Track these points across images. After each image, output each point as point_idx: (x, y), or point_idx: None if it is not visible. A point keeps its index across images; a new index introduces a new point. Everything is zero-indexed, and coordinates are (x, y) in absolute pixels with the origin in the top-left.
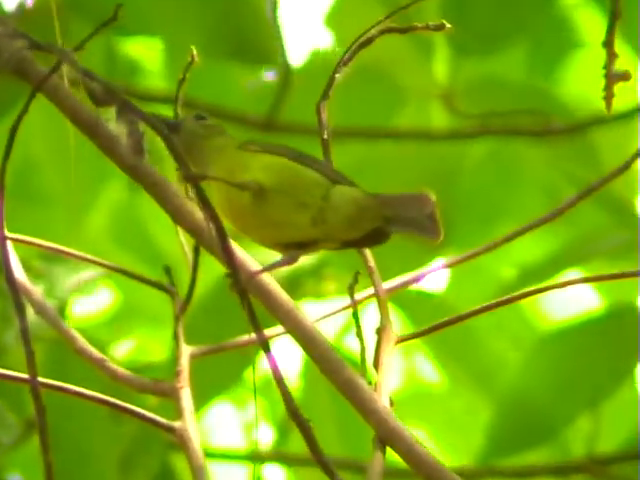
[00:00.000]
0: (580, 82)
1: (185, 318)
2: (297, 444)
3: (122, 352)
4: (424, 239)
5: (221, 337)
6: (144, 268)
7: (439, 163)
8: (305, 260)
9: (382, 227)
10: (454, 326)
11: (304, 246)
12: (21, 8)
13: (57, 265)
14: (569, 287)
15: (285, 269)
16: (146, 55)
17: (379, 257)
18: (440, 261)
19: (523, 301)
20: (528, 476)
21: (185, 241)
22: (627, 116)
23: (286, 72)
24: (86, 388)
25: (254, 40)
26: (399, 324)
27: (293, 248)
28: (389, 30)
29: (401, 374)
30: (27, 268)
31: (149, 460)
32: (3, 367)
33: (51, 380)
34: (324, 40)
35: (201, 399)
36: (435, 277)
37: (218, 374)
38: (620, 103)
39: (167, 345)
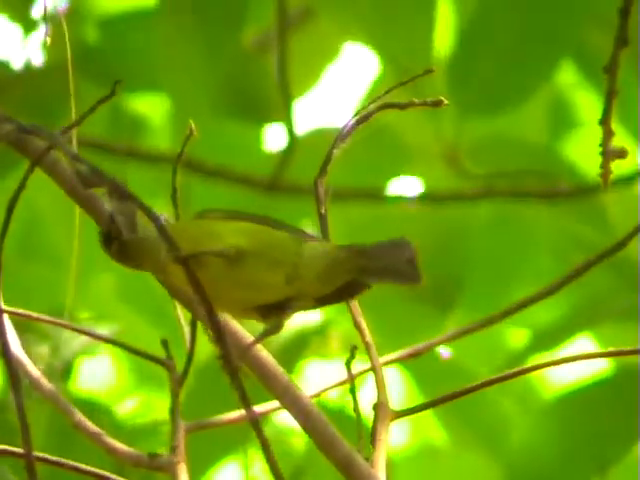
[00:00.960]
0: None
1: (184, 390)
2: None
3: (126, 409)
4: (403, 286)
5: (221, 407)
6: (152, 329)
7: (445, 224)
8: (310, 320)
9: (357, 279)
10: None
11: (276, 308)
12: (28, 67)
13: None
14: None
15: (290, 330)
16: (152, 112)
17: (390, 320)
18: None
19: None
20: None
21: (182, 315)
22: (631, 179)
23: (292, 134)
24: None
25: (260, 99)
26: (408, 388)
27: (264, 311)
28: (388, 106)
29: (406, 434)
30: (32, 330)
31: None
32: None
33: (54, 447)
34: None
35: (205, 463)
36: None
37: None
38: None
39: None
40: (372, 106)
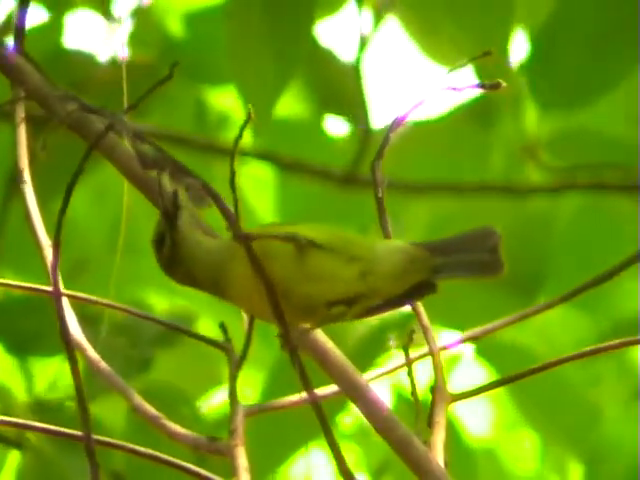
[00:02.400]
0: None
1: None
2: None
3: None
4: (482, 278)
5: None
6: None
7: (529, 216)
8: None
9: (428, 280)
10: (545, 378)
11: (348, 303)
12: (114, 61)
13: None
14: None
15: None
16: (235, 107)
17: (470, 309)
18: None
19: (627, 354)
20: None
21: None
22: None
23: (367, 126)
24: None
25: (337, 91)
26: (485, 376)
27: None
28: (446, 89)
29: (486, 425)
30: (110, 321)
31: None
32: None
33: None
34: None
35: (281, 453)
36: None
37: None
38: None
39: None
40: (430, 90)
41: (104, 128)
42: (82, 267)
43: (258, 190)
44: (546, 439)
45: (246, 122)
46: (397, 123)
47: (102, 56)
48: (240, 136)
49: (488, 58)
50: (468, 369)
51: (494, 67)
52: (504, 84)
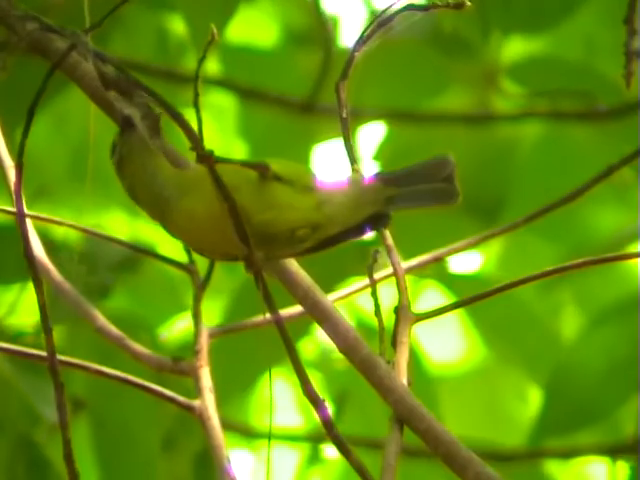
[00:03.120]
0: None
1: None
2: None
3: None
4: (437, 207)
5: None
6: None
7: (488, 144)
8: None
9: (382, 211)
10: (506, 303)
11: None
12: None
13: (99, 245)
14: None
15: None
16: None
17: (429, 234)
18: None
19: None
20: (577, 456)
21: None
22: None
23: (327, 54)
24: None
25: (300, 18)
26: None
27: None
28: (409, 8)
29: (448, 349)
30: (67, 248)
31: (190, 440)
32: None
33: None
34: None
35: (246, 377)
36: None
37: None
38: None
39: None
40: (393, 9)
41: (67, 47)
42: (44, 192)
43: (220, 119)
44: (506, 364)
45: (209, 43)
46: (362, 41)
47: None
48: (203, 57)
49: None
50: (430, 296)
51: None
52: (468, 3)
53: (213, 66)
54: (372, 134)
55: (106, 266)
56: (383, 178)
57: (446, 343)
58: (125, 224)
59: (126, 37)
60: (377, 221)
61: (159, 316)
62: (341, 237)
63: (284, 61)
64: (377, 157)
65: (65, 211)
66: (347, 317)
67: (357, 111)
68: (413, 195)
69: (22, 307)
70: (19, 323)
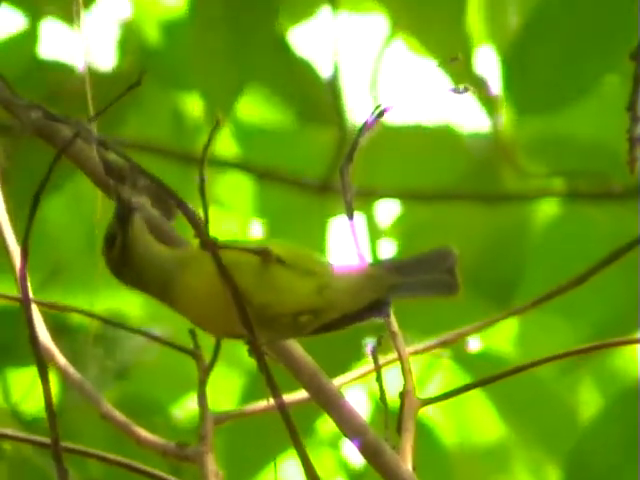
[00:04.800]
0: None
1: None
2: None
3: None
4: (438, 298)
5: None
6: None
7: (504, 223)
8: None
9: (384, 298)
10: (524, 381)
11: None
12: (93, 71)
13: (117, 329)
14: None
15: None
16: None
17: (443, 315)
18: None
19: (607, 358)
20: None
21: None
22: None
23: (343, 134)
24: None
25: (313, 100)
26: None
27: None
28: (414, 95)
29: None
30: (85, 331)
31: None
32: None
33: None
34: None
35: (255, 462)
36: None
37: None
38: None
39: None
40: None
41: (72, 135)
42: (58, 272)
43: (237, 199)
44: (524, 443)
45: (215, 127)
46: (367, 127)
47: (78, 66)
48: (209, 142)
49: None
50: (450, 376)
51: (465, 72)
52: (471, 89)
53: (229, 147)
54: (389, 210)
55: (123, 349)
56: (386, 266)
57: (464, 420)
58: (138, 304)
59: (141, 118)
60: (378, 308)
61: (171, 396)
62: (342, 322)
63: (300, 140)
64: (391, 234)
65: (80, 291)
66: (354, 402)
67: (371, 189)
68: (415, 284)
69: (37, 391)
70: (34, 407)
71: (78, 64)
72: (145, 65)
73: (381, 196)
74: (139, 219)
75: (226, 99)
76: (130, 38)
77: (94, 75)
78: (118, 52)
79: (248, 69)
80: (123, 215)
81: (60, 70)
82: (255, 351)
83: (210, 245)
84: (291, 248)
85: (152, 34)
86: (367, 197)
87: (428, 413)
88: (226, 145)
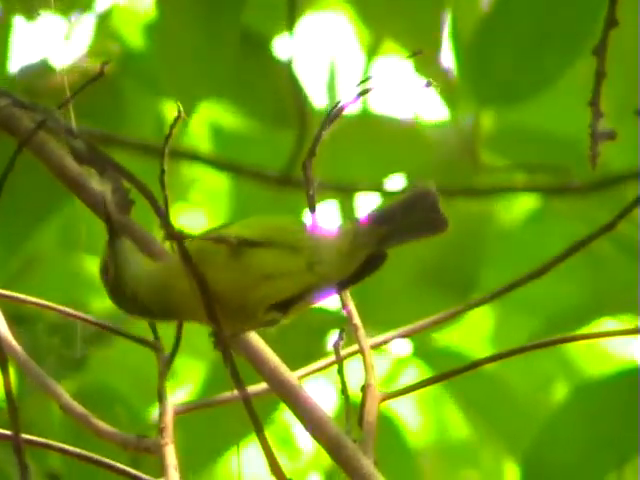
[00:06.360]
0: None
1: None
2: None
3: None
4: (431, 236)
5: None
6: None
7: (463, 218)
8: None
9: (377, 252)
10: (479, 377)
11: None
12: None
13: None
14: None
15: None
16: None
17: (404, 307)
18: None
19: (564, 351)
20: None
21: None
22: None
23: (303, 127)
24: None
25: (269, 91)
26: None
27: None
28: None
29: (426, 424)
30: (43, 321)
31: None
32: None
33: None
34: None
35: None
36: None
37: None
38: None
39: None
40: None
41: (36, 124)
42: (32, 266)
43: (213, 196)
44: (483, 439)
45: (175, 120)
46: (329, 121)
47: (57, 64)
48: (170, 135)
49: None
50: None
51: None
52: (434, 82)
53: (203, 145)
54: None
55: (81, 338)
56: (371, 218)
57: (438, 416)
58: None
59: (125, 123)
60: (372, 263)
61: (136, 387)
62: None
63: (267, 138)
64: None
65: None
66: (315, 395)
67: (335, 184)
68: (403, 230)
69: None
70: None
71: (56, 62)
72: (126, 67)
73: (343, 190)
74: (126, 240)
75: (190, 97)
76: (109, 38)
77: (70, 74)
78: (94, 51)
79: (214, 69)
80: (112, 240)
81: (39, 68)
82: (220, 344)
83: (175, 235)
84: (265, 223)
85: (132, 35)
86: (330, 191)
87: (394, 408)
88: (200, 143)
